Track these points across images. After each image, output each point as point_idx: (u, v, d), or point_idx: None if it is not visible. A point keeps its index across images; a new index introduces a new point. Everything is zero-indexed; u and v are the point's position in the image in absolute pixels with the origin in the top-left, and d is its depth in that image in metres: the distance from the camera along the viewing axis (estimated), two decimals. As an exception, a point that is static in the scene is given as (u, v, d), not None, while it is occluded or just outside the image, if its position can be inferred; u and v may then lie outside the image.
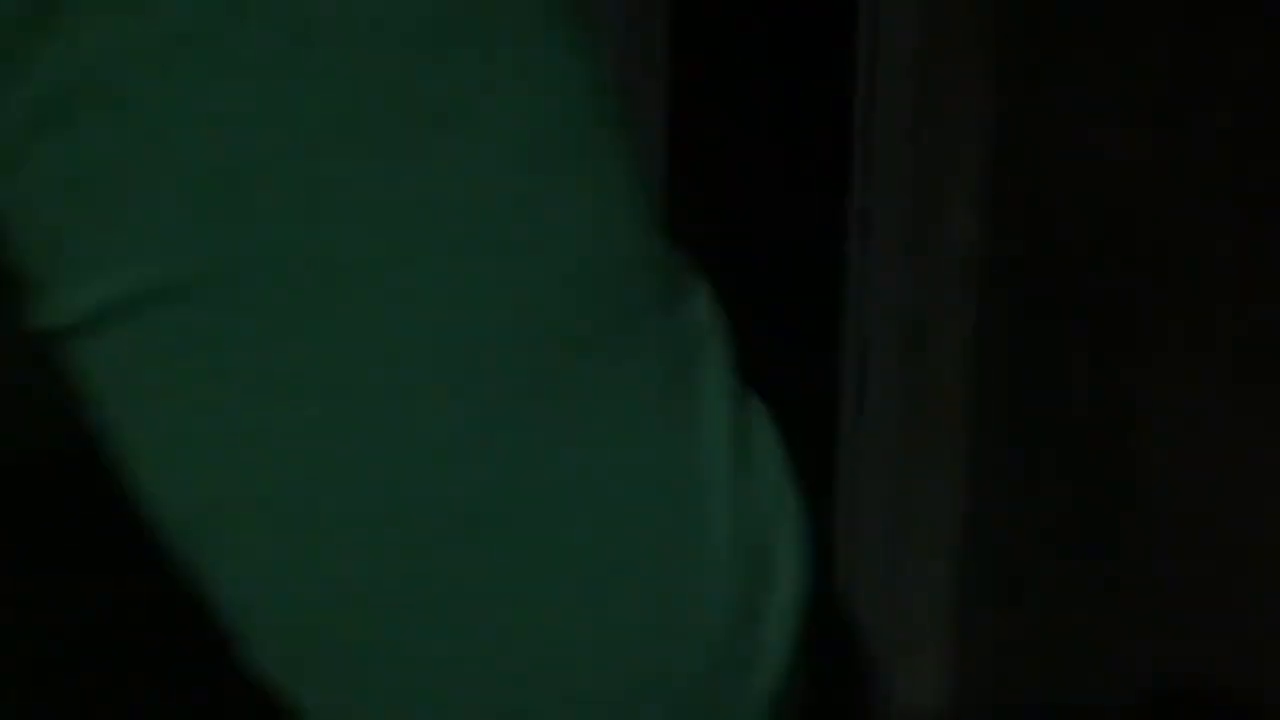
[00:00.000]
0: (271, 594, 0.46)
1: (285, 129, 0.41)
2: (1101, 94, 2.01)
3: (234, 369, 0.42)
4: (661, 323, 0.48)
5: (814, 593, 0.54)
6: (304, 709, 0.48)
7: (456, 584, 0.45)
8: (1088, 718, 2.17)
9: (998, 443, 2.06)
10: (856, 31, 2.04)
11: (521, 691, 0.48)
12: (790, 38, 2.62)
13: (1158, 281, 2.04)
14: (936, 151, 2.04)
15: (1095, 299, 2.05)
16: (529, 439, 0.45)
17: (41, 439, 0.58)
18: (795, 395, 2.70)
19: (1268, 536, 2.03)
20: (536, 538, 0.46)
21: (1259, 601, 2.06)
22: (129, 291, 0.42)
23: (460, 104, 0.42)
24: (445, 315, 0.43)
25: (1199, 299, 2.01)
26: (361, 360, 0.42)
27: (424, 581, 0.45)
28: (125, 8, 0.40)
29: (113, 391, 0.44)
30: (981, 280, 2.05)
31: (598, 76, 0.47)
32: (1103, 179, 2.03)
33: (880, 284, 2.06)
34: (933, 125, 2.04)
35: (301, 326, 0.42)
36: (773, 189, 2.81)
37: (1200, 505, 2.03)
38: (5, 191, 0.42)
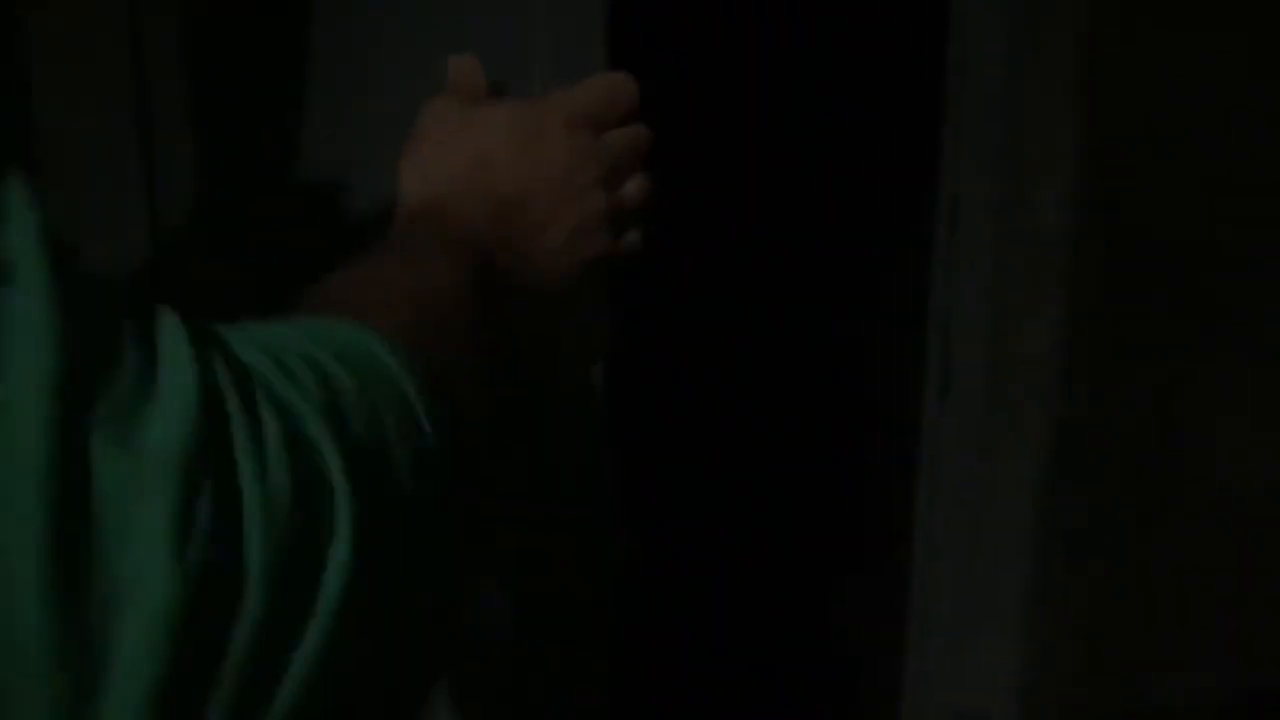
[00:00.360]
0: None
1: None
2: (1193, 85, 2.03)
3: None
4: None
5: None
6: None
7: None
8: (1157, 716, 2.18)
9: (1080, 428, 2.08)
10: (950, 22, 2.07)
11: None
12: (885, 29, 2.66)
13: (1245, 272, 2.05)
14: (1027, 139, 2.06)
15: (1181, 288, 2.06)
16: None
17: None
18: (882, 377, 2.72)
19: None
20: None
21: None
22: None
23: None
24: None
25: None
26: None
27: None
28: None
29: None
30: (1068, 268, 2.07)
31: None
32: (1192, 170, 2.04)
33: (967, 269, 2.09)
34: (1023, 113, 2.06)
35: None
36: (865, 174, 2.85)
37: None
38: None
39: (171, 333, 0.54)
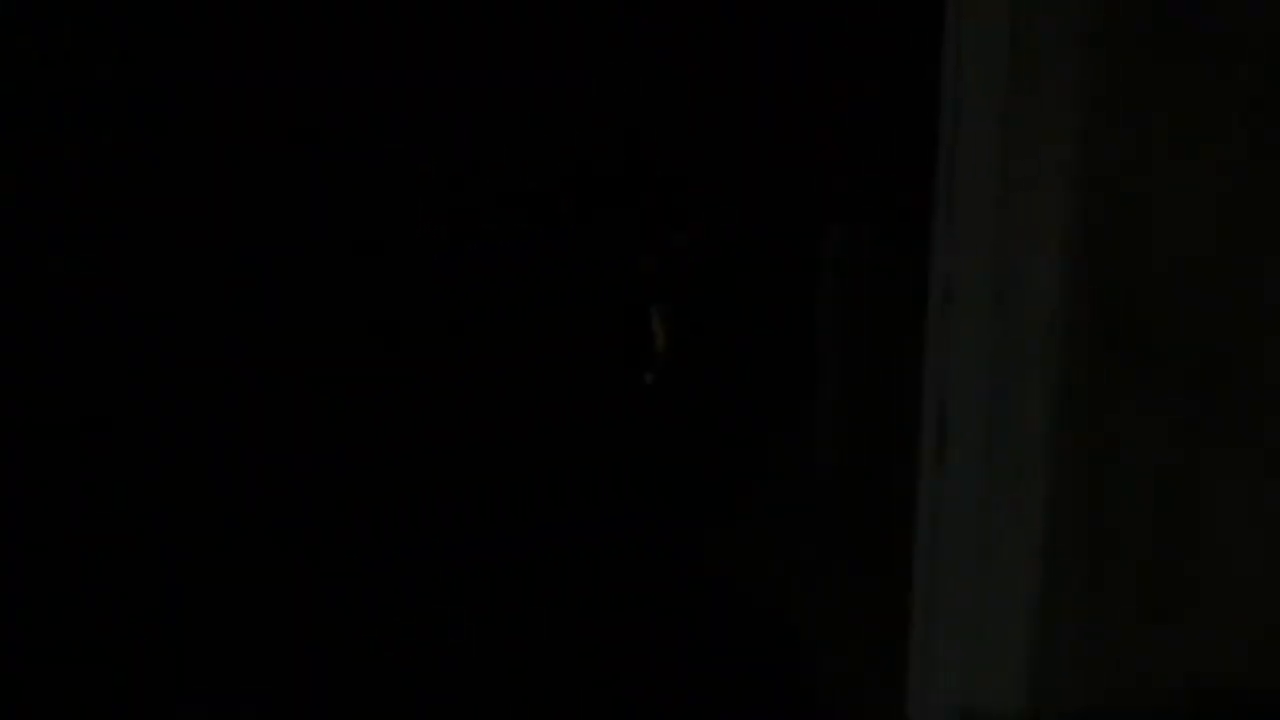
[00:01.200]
0: None
1: None
2: (1187, 168, 2.03)
3: None
4: None
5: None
6: None
7: None
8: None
9: (1078, 512, 2.09)
10: (940, 101, 2.07)
11: None
12: (876, 109, 2.65)
13: (1244, 354, 2.06)
14: (1019, 216, 2.06)
15: (1179, 369, 2.07)
16: None
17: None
18: (873, 456, 2.73)
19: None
20: None
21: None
22: None
23: None
24: None
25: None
26: None
27: None
28: None
29: None
30: (1062, 342, 2.07)
31: None
32: (1189, 252, 2.05)
33: (960, 346, 2.10)
34: (1016, 190, 2.07)
35: None
36: (855, 256, 2.86)
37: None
38: None
39: None
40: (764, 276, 3.01)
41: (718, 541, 3.17)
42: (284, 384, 3.49)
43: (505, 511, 3.39)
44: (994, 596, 2.15)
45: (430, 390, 3.40)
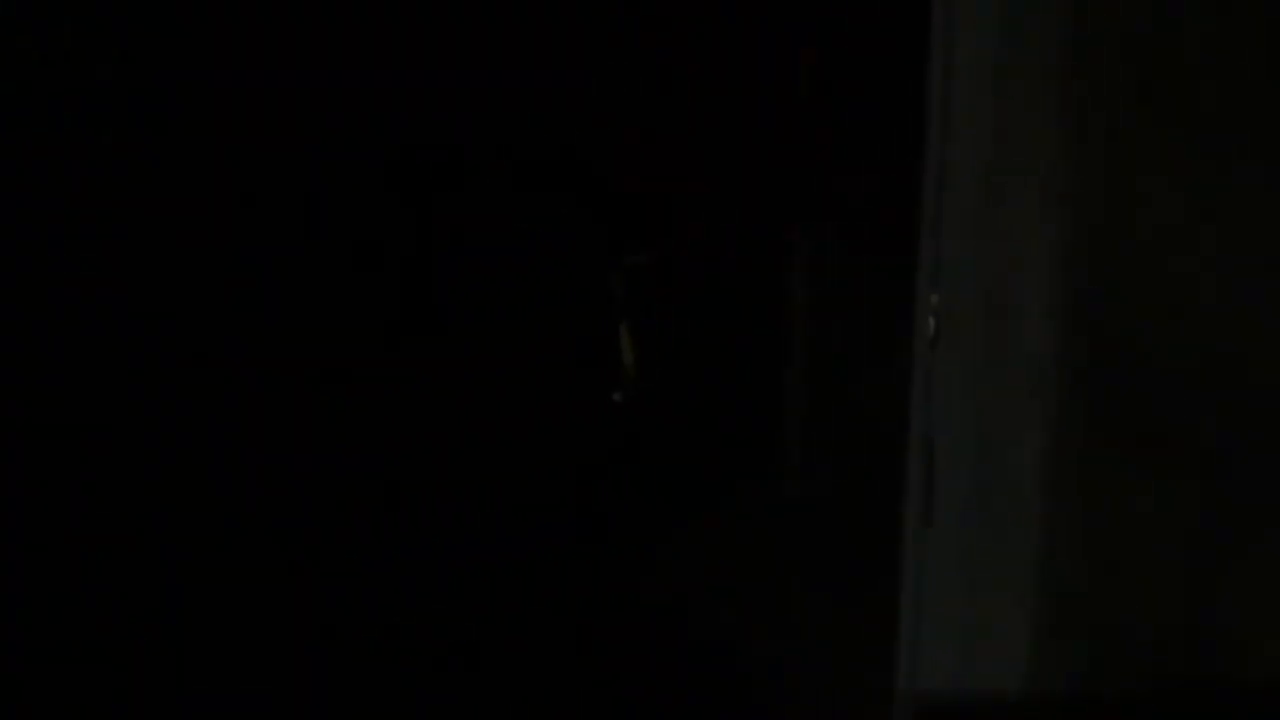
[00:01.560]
0: None
1: None
2: (1174, 205, 2.02)
3: None
4: None
5: None
6: None
7: None
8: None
9: (1070, 552, 2.08)
10: (925, 142, 2.05)
11: None
12: (862, 145, 2.62)
13: (1253, 357, 2.05)
14: (1008, 261, 2.05)
15: (1166, 408, 2.06)
16: None
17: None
18: (860, 501, 2.73)
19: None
20: None
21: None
22: None
23: None
24: None
25: (1270, 417, 2.02)
26: None
27: None
28: None
29: None
30: (1052, 383, 2.07)
31: None
32: (1176, 291, 2.03)
33: (950, 393, 2.08)
34: (1004, 233, 2.05)
35: None
36: (839, 294, 2.83)
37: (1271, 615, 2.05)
38: None
39: None
40: (734, 290, 3.00)
41: (688, 559, 3.18)
42: (280, 384, 3.49)
43: (471, 527, 3.40)
44: (985, 601, 2.15)
45: (392, 404, 3.41)
